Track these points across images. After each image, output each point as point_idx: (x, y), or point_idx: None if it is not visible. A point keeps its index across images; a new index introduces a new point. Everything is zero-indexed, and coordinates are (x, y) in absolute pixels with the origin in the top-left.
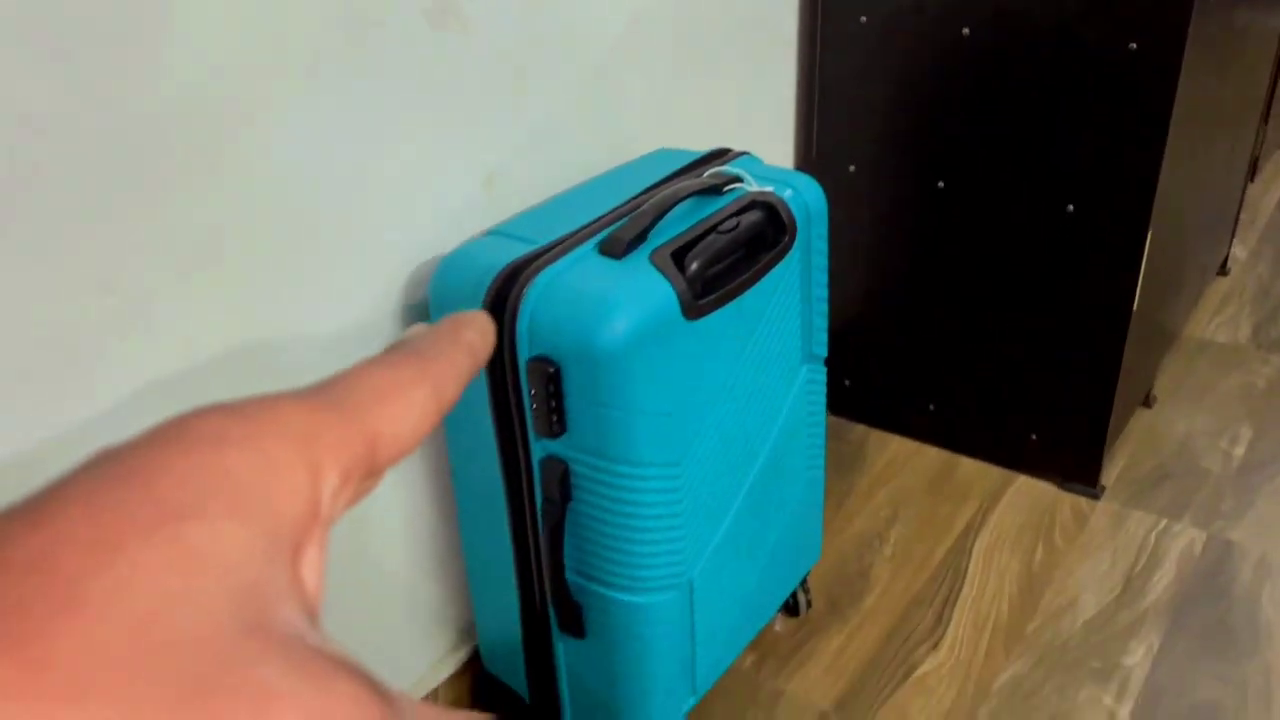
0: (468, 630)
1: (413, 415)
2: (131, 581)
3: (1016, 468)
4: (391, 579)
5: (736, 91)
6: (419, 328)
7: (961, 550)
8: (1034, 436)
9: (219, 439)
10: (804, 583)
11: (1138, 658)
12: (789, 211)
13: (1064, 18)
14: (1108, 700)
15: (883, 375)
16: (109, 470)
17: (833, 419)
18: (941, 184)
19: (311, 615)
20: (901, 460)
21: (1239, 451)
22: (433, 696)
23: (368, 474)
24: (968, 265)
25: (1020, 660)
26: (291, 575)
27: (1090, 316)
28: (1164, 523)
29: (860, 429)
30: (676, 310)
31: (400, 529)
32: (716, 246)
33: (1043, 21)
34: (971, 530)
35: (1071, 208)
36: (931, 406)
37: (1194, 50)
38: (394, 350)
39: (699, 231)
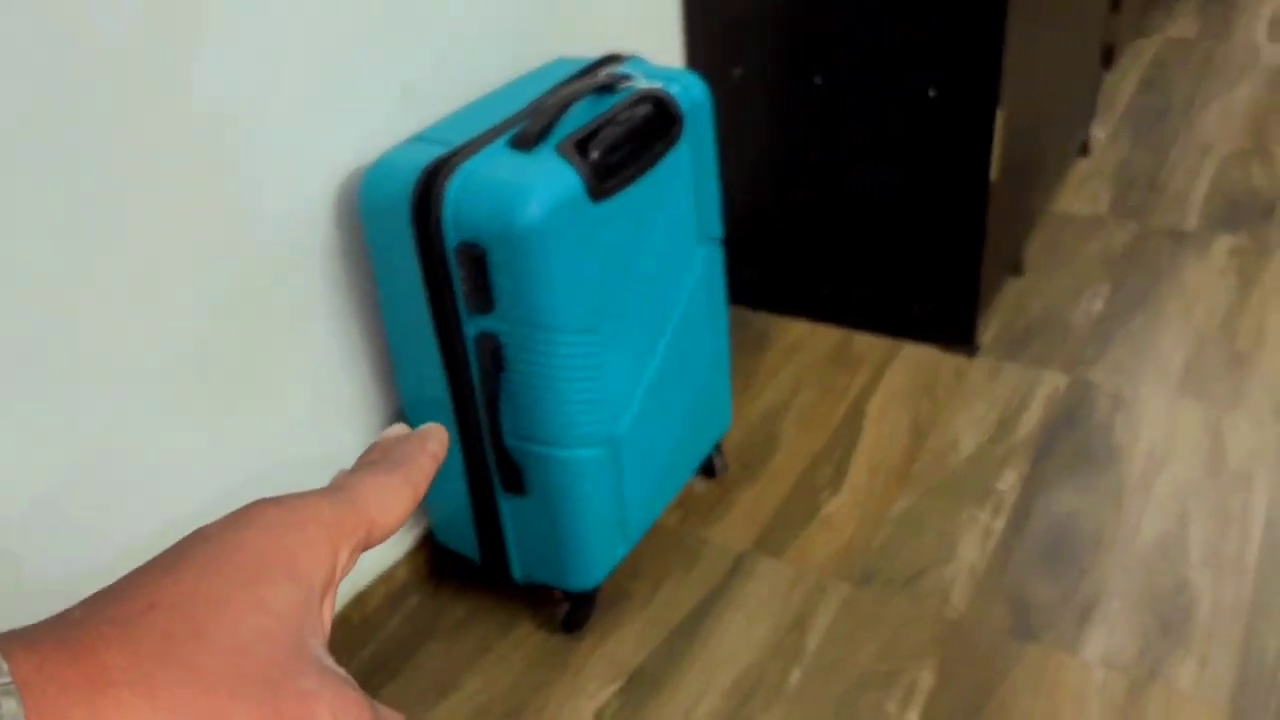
0: (421, 507)
1: (399, 509)
2: (234, 621)
3: (904, 336)
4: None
5: (624, 5)
6: (396, 429)
7: (857, 410)
8: (916, 307)
9: (278, 525)
10: (719, 448)
11: (1010, 482)
12: (676, 105)
13: None
14: (984, 518)
15: (780, 264)
16: (210, 547)
17: (738, 309)
18: (819, 80)
19: (326, 643)
20: (802, 340)
21: (1098, 307)
22: (392, 569)
23: (364, 549)
24: (846, 154)
25: (909, 495)
26: (319, 618)
27: (955, 192)
28: (1033, 371)
29: (764, 316)
30: (583, 192)
31: (348, 410)
32: (614, 136)
33: None
34: (866, 393)
35: (933, 93)
36: (825, 289)
37: None
38: (380, 460)
39: (598, 124)
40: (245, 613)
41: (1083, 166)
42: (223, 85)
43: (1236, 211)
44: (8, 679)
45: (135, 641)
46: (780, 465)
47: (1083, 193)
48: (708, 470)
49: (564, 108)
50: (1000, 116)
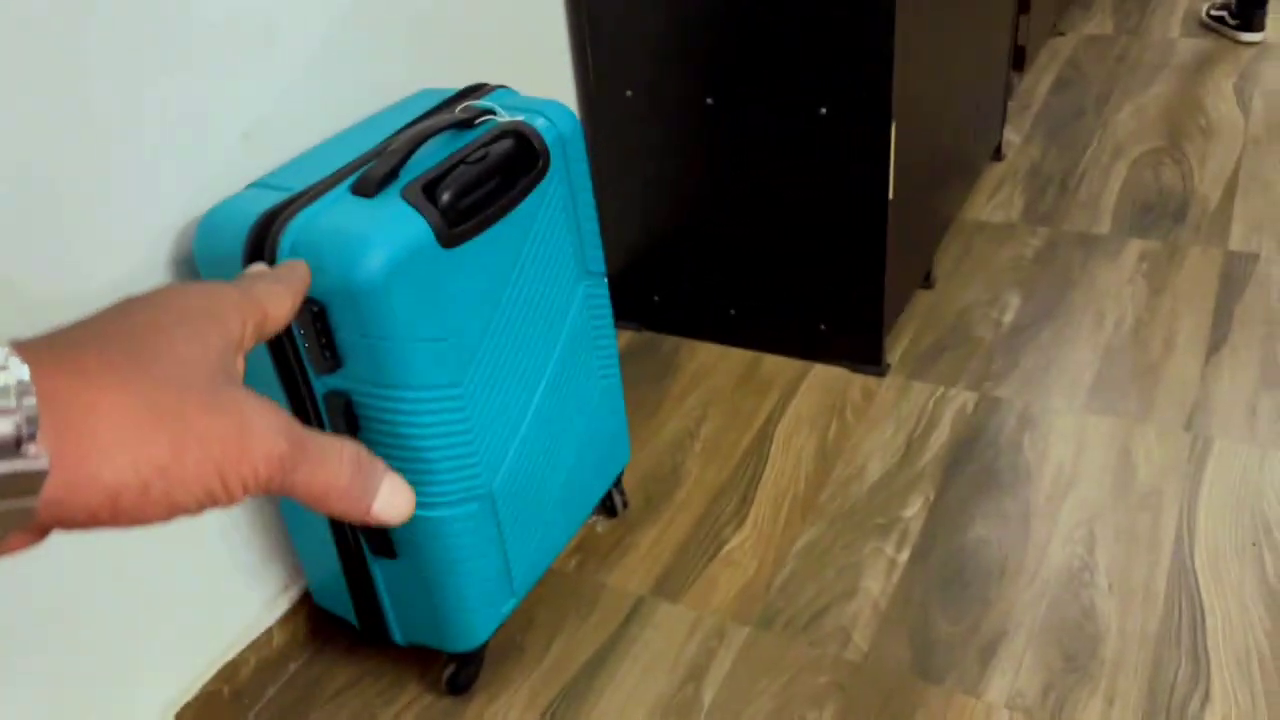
0: (297, 568)
1: (284, 308)
2: (177, 345)
3: (812, 358)
4: (206, 528)
5: (508, 30)
6: (258, 266)
7: (764, 437)
8: (823, 327)
9: (198, 293)
10: (618, 484)
11: (915, 509)
12: (540, 138)
13: None
14: (889, 550)
15: (686, 287)
16: (150, 301)
17: (647, 334)
18: (710, 100)
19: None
20: (710, 364)
21: (1008, 318)
22: (267, 636)
23: (259, 336)
24: (743, 175)
25: (814, 526)
26: (236, 363)
27: (853, 210)
28: (941, 390)
29: (672, 340)
30: (431, 240)
31: None
32: (467, 177)
33: None
34: (773, 419)
35: (824, 110)
36: (732, 311)
37: None
38: (259, 273)
39: (450, 164)
40: (183, 342)
41: (996, 171)
42: (26, 141)
43: (1148, 214)
44: (27, 378)
45: (108, 354)
46: (684, 499)
47: (995, 198)
48: (608, 508)
49: (412, 148)
50: (894, 132)
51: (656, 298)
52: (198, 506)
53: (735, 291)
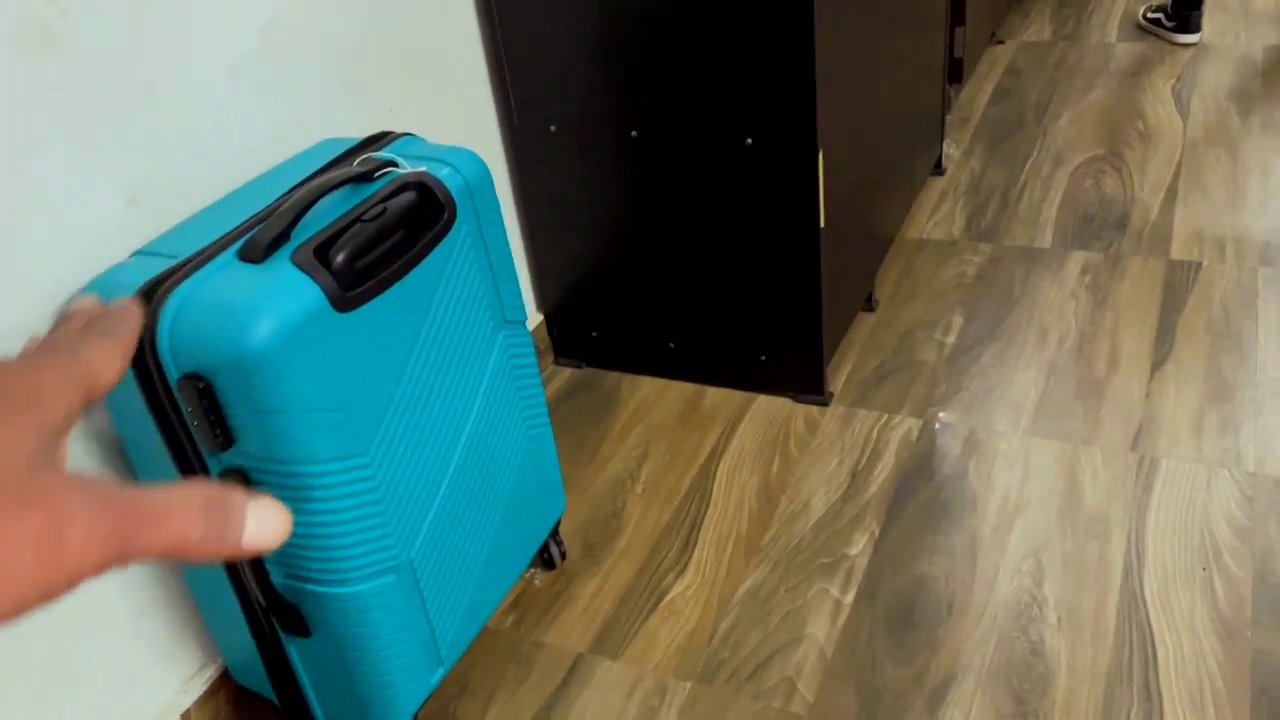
0: (215, 646)
1: (114, 368)
2: None
3: (755, 389)
4: (114, 608)
5: (423, 69)
6: (88, 301)
7: (707, 475)
8: (764, 358)
9: (13, 372)
10: (555, 535)
11: (860, 547)
12: (444, 189)
13: None
14: (834, 591)
15: (625, 322)
16: None
17: (587, 370)
18: (635, 133)
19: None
20: (652, 400)
21: (951, 339)
22: (185, 719)
23: (89, 401)
24: (673, 206)
25: (758, 570)
26: (57, 448)
27: (785, 240)
28: (885, 417)
29: (613, 376)
30: (325, 306)
31: None
32: (365, 235)
33: None
34: (716, 455)
35: (750, 140)
36: (672, 344)
37: None
38: (88, 326)
39: (345, 223)
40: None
41: (937, 186)
42: None
43: (1089, 225)
44: None
45: None
46: (625, 545)
47: (936, 215)
48: (546, 560)
49: (305, 207)
50: (822, 159)
51: (595, 333)
52: (32, 606)
53: (674, 324)
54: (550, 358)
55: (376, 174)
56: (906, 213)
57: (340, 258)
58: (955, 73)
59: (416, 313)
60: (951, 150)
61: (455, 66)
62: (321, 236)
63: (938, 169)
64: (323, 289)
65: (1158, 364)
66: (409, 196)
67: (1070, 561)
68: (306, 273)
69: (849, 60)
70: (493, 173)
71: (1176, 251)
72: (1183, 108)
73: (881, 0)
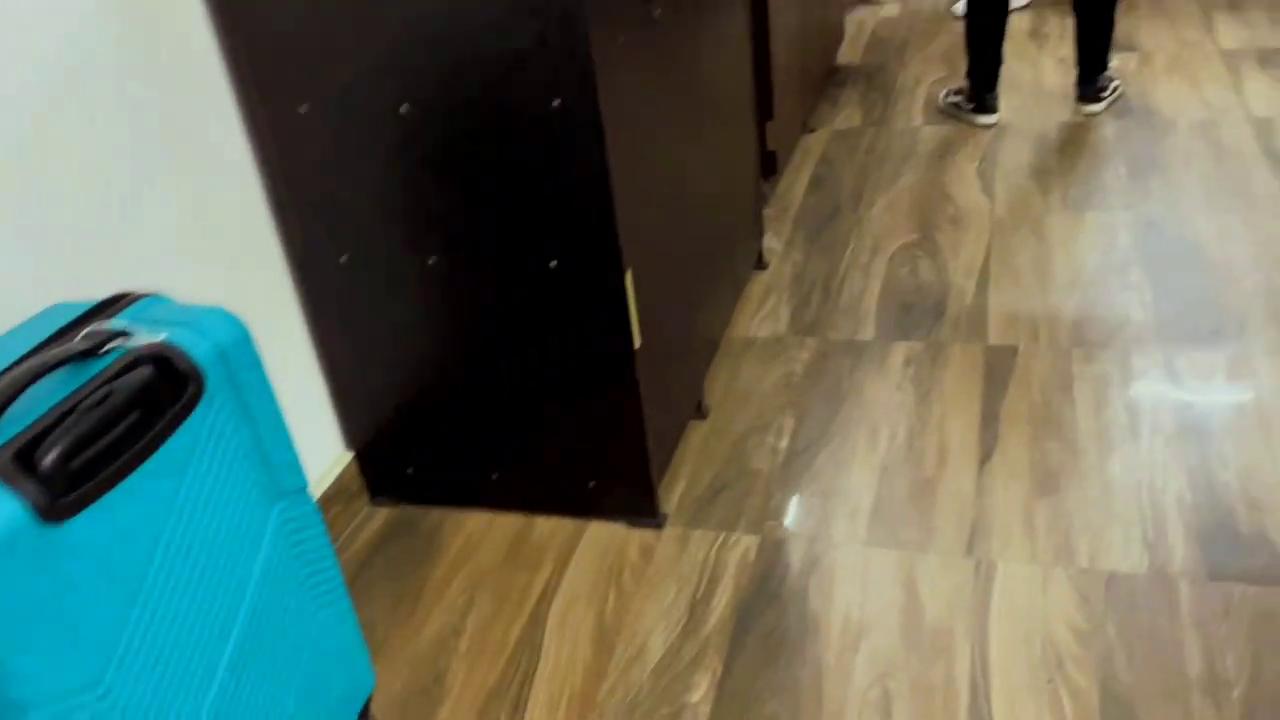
0: None
1: None
2: None
3: (586, 515)
4: None
5: (188, 207)
6: None
7: (537, 622)
8: (592, 483)
9: None
10: (366, 715)
11: (702, 691)
12: (188, 360)
13: (489, 81)
14: None
15: (443, 454)
16: None
17: (405, 509)
18: (433, 260)
19: None
20: (478, 537)
21: (784, 444)
22: None
23: None
24: (480, 333)
25: None
26: None
27: (599, 362)
28: (722, 536)
29: (435, 513)
30: (29, 520)
31: None
32: (82, 427)
33: (471, 90)
34: (546, 596)
35: (554, 263)
36: (495, 475)
37: (615, 95)
38: None
39: (58, 414)
40: None
41: (760, 281)
42: None
43: (909, 314)
44: None
45: None
46: (449, 716)
47: (762, 311)
48: None
49: (9, 398)
50: (630, 277)
51: (411, 469)
52: None
53: (496, 454)
54: (364, 499)
55: (103, 349)
56: (732, 311)
57: (50, 458)
58: (769, 166)
59: (159, 507)
60: (773, 244)
61: (227, 200)
62: (25, 435)
63: (760, 264)
64: (25, 500)
65: (985, 457)
66: (143, 373)
67: (917, 685)
68: (5, 482)
69: (651, 170)
70: (283, 307)
71: (994, 336)
72: (988, 188)
73: (682, 104)
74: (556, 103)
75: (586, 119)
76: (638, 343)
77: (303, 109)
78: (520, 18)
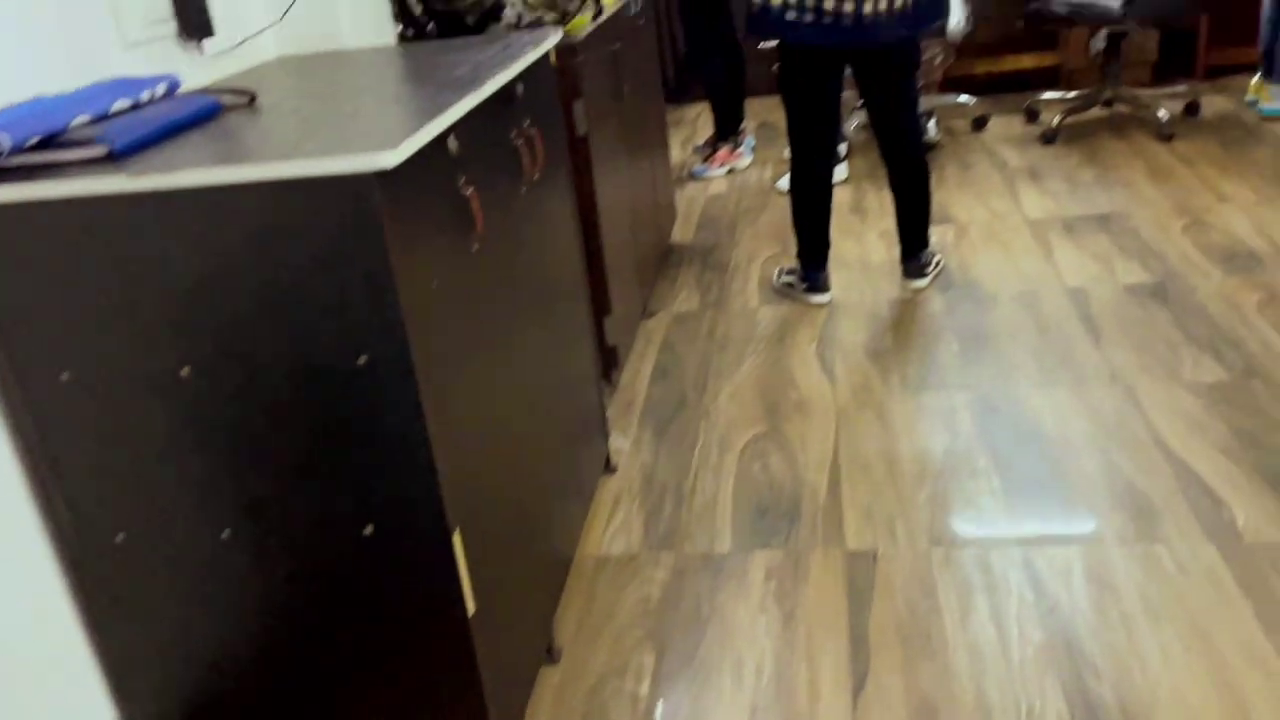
0: None
1: None
2: None
3: None
4: None
5: None
6: None
7: None
8: None
9: None
10: None
11: None
12: None
13: (284, 339)
14: None
15: None
16: None
17: None
18: (226, 533)
19: None
20: None
21: (644, 689)
22: None
23: None
24: (293, 608)
25: None
26: None
27: (430, 631)
28: None
29: None
30: None
31: None
32: None
33: (264, 349)
34: None
35: (369, 529)
36: None
37: (430, 340)
38: None
39: None
40: None
41: (610, 487)
42: None
43: (764, 518)
44: None
45: None
46: None
47: (613, 523)
48: None
49: None
50: (459, 538)
51: None
52: None
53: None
54: None
55: None
56: (581, 526)
57: None
58: (611, 361)
59: None
60: (620, 443)
61: None
62: None
63: (609, 467)
64: None
65: (858, 686)
66: None
67: None
68: None
69: (479, 408)
70: (48, 589)
71: (851, 539)
72: (828, 370)
73: (512, 324)
74: (363, 359)
75: (398, 373)
76: (472, 609)
77: (64, 377)
78: (315, 276)
